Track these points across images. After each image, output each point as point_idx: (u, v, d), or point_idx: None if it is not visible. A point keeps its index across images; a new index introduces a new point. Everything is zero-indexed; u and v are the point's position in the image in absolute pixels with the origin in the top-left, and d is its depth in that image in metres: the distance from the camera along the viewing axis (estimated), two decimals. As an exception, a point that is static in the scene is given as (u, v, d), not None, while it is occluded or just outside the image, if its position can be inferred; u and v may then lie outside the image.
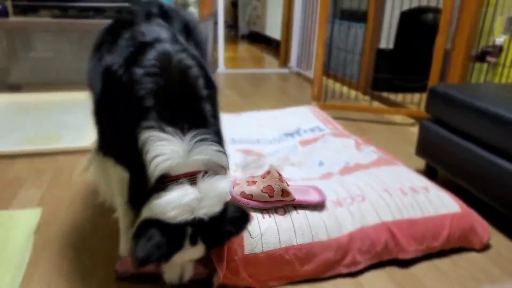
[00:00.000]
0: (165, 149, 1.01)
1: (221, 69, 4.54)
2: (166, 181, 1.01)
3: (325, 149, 1.95)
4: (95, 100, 1.25)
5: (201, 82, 1.12)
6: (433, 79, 2.76)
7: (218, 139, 1.11)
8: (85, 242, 1.47)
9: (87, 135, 2.22)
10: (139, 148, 1.03)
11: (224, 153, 1.10)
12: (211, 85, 1.15)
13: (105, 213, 1.65)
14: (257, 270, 1.27)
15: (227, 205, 1.08)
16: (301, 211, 1.37)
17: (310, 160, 1.85)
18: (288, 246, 1.29)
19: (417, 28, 3.64)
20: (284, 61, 4.93)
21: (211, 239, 1.08)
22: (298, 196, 1.37)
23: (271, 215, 1.34)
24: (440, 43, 2.71)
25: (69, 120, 2.63)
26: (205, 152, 1.04)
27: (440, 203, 1.52)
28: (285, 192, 1.34)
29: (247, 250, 1.26)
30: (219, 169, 1.08)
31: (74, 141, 2.31)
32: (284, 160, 1.88)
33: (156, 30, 1.23)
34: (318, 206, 1.40)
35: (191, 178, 1.02)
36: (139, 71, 1.08)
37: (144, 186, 1.04)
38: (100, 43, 1.33)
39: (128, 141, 1.06)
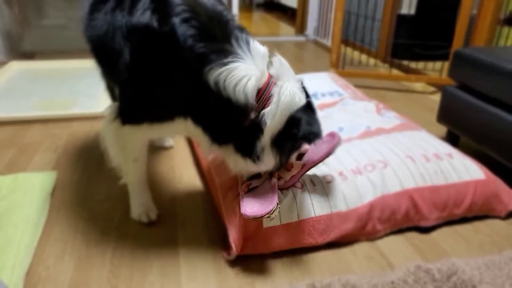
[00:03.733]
0: (240, 71, 1.04)
1: (236, 37, 4.43)
2: (264, 92, 1.08)
3: (344, 113, 1.88)
4: (125, 64, 1.13)
5: (222, 8, 1.15)
6: (457, 44, 2.63)
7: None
8: (99, 204, 1.47)
9: (100, 101, 2.21)
10: (213, 90, 1.05)
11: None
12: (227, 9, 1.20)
13: (118, 177, 1.64)
14: (275, 241, 1.24)
15: None
16: (318, 184, 1.33)
17: (329, 127, 1.79)
18: (306, 219, 1.26)
19: (441, -8, 3.45)
20: (301, 29, 4.78)
21: None
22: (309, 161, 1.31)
23: (290, 189, 1.30)
24: (467, 4, 2.56)
25: (82, 87, 2.61)
26: (264, 55, 1.12)
27: (464, 170, 1.46)
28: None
29: (265, 224, 1.23)
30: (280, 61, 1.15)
31: (87, 107, 2.30)
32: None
33: None
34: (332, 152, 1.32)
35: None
36: (176, 20, 1.05)
37: (235, 117, 1.08)
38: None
39: (192, 91, 1.07)
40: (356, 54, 3.58)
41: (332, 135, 1.36)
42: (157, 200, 1.46)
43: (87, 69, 2.77)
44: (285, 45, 4.39)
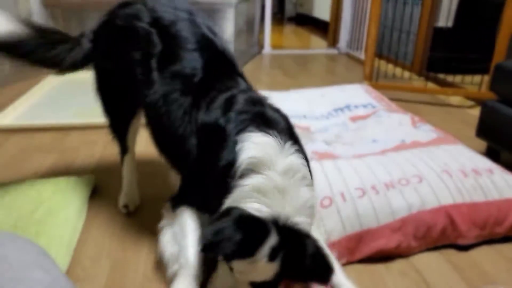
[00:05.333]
0: (233, 142, 1.01)
1: (267, 50, 4.48)
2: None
3: (378, 125, 1.85)
4: (192, 159, 1.14)
5: (274, 114, 1.12)
6: (498, 57, 2.54)
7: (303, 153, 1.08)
8: (134, 210, 1.51)
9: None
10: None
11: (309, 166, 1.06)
12: (279, 112, 1.16)
13: (153, 184, 1.68)
14: None
15: (309, 237, 0.92)
16: (349, 200, 1.31)
17: (363, 139, 1.76)
18: (338, 240, 1.24)
19: (480, 5, 3.37)
20: (333, 42, 4.78)
21: (293, 265, 0.89)
22: None
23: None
24: (509, 16, 2.48)
25: (120, 96, 2.70)
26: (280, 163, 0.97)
27: (506, 187, 1.41)
28: None
29: None
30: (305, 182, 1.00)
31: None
32: (335, 137, 1.81)
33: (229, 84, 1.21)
34: None
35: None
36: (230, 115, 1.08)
37: None
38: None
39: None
40: (390, 67, 3.53)
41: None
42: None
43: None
44: (317, 57, 4.39)
